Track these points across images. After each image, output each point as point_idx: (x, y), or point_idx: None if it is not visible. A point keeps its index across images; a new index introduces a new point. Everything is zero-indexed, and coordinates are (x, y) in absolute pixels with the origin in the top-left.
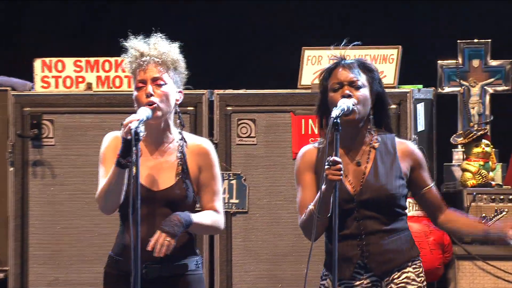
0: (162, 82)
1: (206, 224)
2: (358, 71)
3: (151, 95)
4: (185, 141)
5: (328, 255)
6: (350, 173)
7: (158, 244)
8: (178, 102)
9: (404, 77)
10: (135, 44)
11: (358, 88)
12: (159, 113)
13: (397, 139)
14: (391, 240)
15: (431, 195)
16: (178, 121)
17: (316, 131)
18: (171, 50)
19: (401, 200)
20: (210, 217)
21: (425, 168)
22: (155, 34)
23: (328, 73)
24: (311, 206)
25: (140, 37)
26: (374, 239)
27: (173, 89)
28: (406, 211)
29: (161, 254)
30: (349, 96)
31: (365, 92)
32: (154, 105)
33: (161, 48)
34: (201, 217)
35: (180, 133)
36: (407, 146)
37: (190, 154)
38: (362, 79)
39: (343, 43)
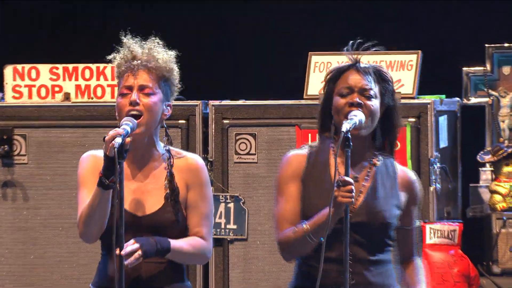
0: (150, 92)
1: (187, 251)
2: (372, 79)
3: (137, 103)
4: (173, 159)
5: (302, 278)
6: None
7: (128, 248)
8: (165, 117)
9: (425, 86)
10: (129, 44)
11: (369, 97)
12: (142, 127)
13: (397, 164)
14: (377, 272)
15: (407, 236)
16: (165, 137)
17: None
18: (167, 58)
19: (392, 231)
20: (194, 244)
21: (418, 206)
22: (152, 37)
23: (337, 74)
24: (305, 226)
25: (137, 38)
26: (360, 268)
27: (161, 101)
28: (393, 243)
29: (125, 261)
30: (358, 105)
31: (376, 104)
32: (136, 113)
33: (156, 54)
34: (182, 244)
35: (168, 150)
36: (409, 176)
37: (177, 171)
38: (375, 88)
39: (353, 43)
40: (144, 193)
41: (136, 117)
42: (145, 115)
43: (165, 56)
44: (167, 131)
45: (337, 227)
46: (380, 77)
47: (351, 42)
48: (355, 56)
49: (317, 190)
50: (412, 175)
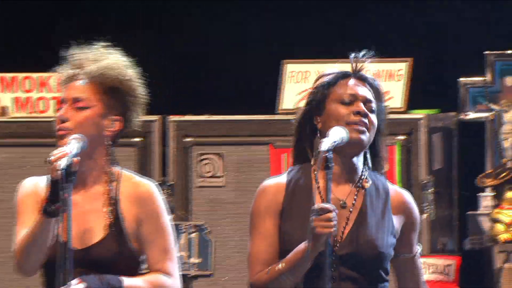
0: (84, 105)
1: None
2: (373, 92)
3: (65, 120)
4: (118, 181)
5: None
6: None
7: None
8: (111, 134)
9: (416, 99)
10: (73, 52)
11: (371, 112)
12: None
13: (389, 184)
14: None
15: (410, 266)
16: (109, 157)
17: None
18: (116, 64)
19: (387, 262)
20: (154, 281)
21: (417, 230)
22: (100, 41)
23: (334, 80)
24: (280, 265)
25: (84, 45)
26: None
27: (101, 115)
28: (388, 277)
29: None
30: (365, 116)
31: (375, 119)
32: (63, 133)
33: (102, 60)
34: (138, 283)
35: (113, 171)
36: (404, 197)
37: (125, 200)
38: (375, 102)
39: (353, 54)
40: (85, 222)
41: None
42: (74, 131)
43: (113, 62)
44: (112, 149)
45: (320, 260)
46: (378, 94)
47: (334, 55)
48: (358, 64)
49: (300, 223)
50: (408, 196)
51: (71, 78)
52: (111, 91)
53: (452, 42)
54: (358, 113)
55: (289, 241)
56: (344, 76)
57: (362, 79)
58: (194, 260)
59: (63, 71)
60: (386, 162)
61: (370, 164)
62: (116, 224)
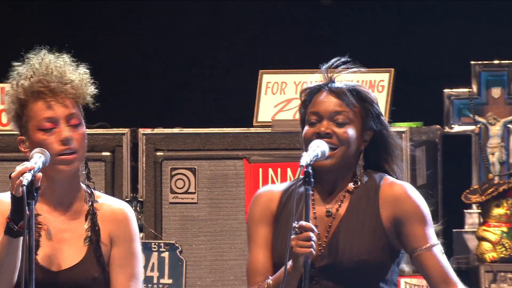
0: (77, 122)
1: None
2: (348, 101)
3: (71, 140)
4: (95, 201)
5: None
6: (320, 226)
7: None
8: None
9: (399, 111)
10: (34, 65)
11: (341, 124)
12: (76, 164)
13: (386, 180)
14: None
15: (427, 261)
16: (83, 171)
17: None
18: (82, 75)
19: (384, 270)
20: None
21: (422, 222)
22: (41, 51)
23: (308, 98)
24: (269, 281)
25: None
26: None
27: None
28: None
29: None
30: (326, 135)
31: (350, 131)
32: (73, 157)
33: (69, 72)
34: None
35: (87, 185)
36: (394, 189)
37: (100, 221)
38: (350, 112)
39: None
40: (62, 243)
41: (70, 161)
42: (79, 152)
43: (82, 74)
44: (87, 162)
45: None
46: (359, 97)
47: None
48: (329, 75)
49: (288, 235)
50: (402, 188)
51: (44, 93)
52: (82, 102)
53: (436, 52)
54: (319, 135)
55: (277, 253)
56: (316, 91)
57: (334, 89)
58: (165, 281)
59: (30, 84)
60: (398, 160)
61: (366, 166)
62: (95, 246)
